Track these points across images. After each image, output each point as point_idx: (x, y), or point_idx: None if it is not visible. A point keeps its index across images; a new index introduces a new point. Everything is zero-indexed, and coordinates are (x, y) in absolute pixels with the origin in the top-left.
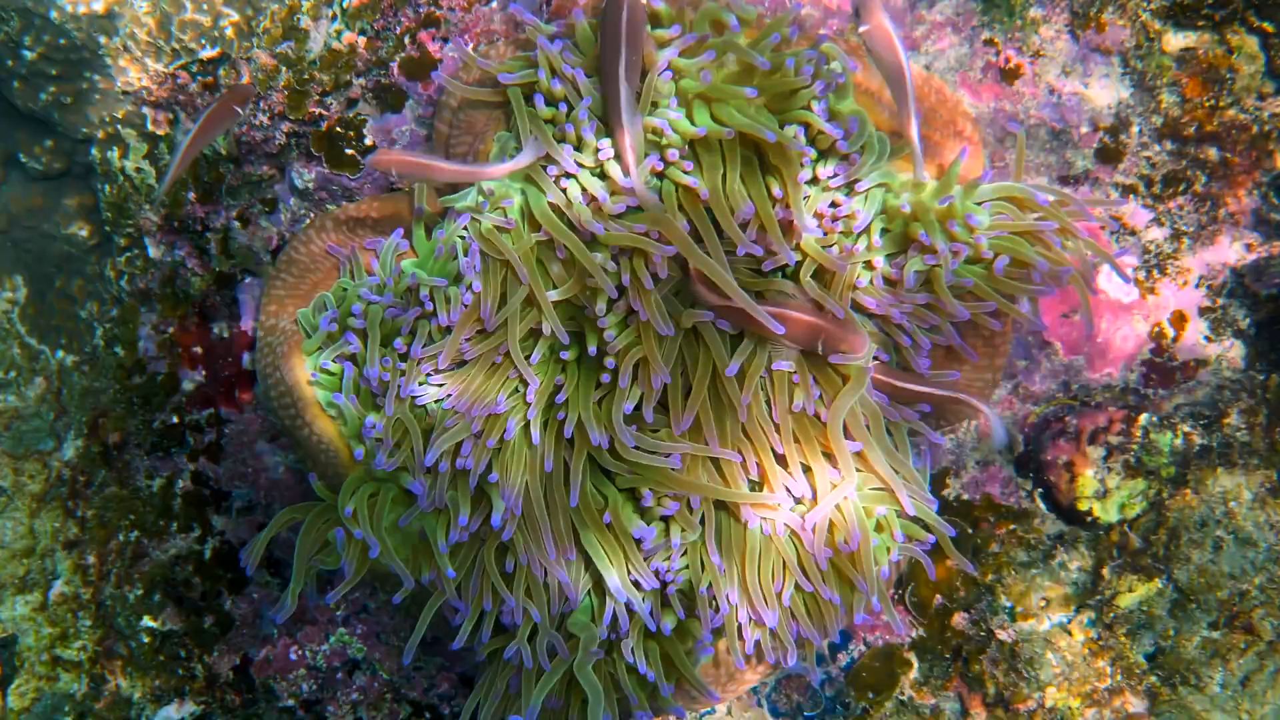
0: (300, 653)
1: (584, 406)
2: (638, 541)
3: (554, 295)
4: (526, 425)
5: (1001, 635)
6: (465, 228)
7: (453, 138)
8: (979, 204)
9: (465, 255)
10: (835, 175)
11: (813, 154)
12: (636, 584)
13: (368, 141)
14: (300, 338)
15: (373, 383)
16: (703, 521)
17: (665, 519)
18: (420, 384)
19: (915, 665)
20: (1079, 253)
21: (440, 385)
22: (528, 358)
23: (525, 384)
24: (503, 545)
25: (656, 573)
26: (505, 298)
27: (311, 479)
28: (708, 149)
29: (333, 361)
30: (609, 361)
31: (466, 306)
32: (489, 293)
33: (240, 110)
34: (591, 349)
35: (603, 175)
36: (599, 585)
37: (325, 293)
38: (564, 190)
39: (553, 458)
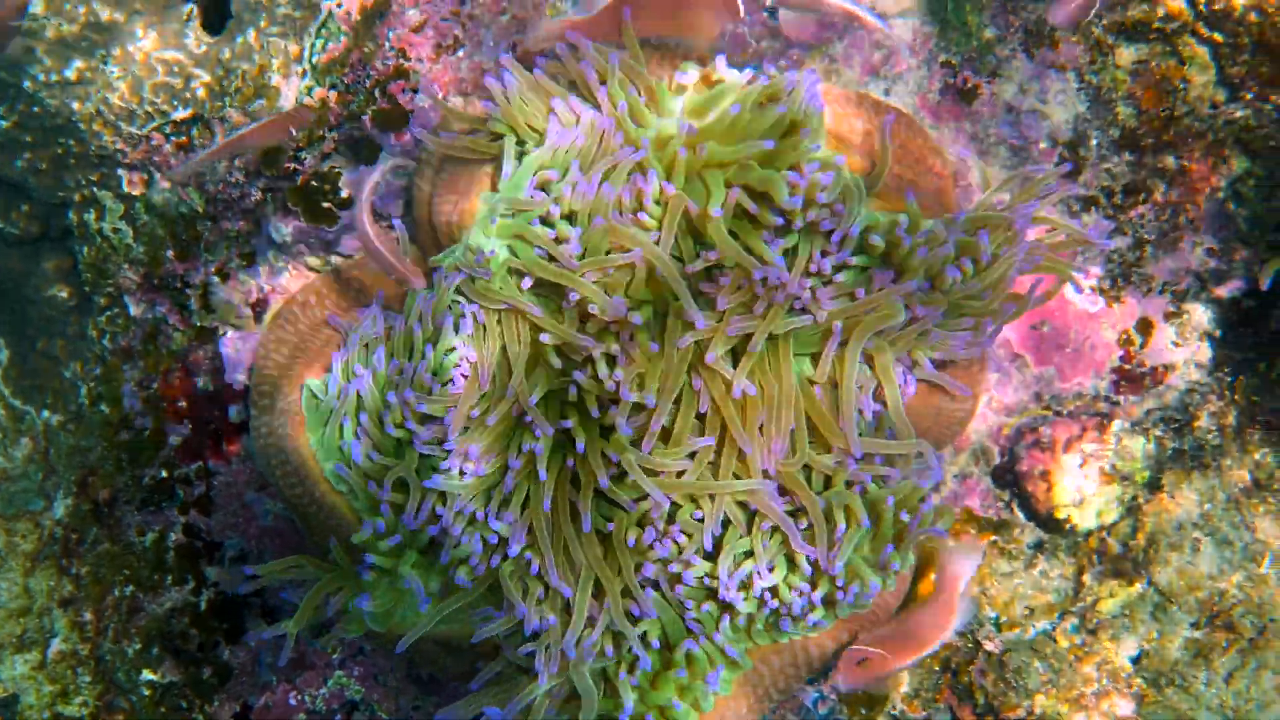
0: (299, 698)
1: (589, 440)
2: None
3: (547, 339)
4: (533, 464)
5: (988, 646)
6: (458, 289)
7: (436, 197)
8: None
9: (457, 331)
10: (823, 224)
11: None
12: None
13: (344, 194)
14: (303, 417)
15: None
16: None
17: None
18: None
19: (905, 679)
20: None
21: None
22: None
23: (533, 435)
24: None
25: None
26: (505, 349)
27: (332, 543)
28: (693, 187)
29: (350, 420)
30: (618, 395)
31: (466, 378)
32: (484, 359)
33: (294, 132)
34: (594, 411)
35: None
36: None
37: (330, 370)
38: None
39: (552, 495)
